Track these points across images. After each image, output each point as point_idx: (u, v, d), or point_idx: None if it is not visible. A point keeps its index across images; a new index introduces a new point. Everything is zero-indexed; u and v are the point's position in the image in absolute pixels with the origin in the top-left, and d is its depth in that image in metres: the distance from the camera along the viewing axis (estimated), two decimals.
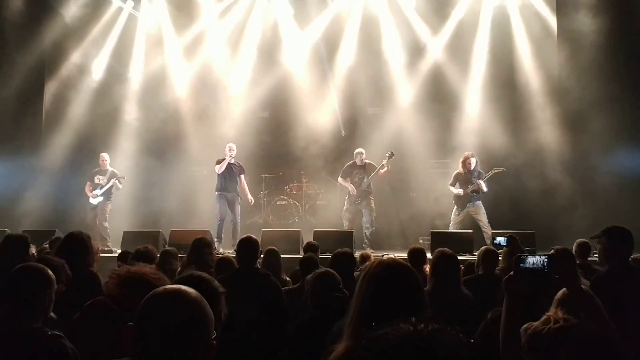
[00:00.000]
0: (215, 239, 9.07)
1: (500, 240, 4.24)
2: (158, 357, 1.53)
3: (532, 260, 2.34)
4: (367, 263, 2.20)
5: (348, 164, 9.80)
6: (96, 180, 10.14)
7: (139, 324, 1.55)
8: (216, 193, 9.64)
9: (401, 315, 1.89)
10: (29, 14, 11.31)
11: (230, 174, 9.66)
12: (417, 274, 2.12)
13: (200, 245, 5.40)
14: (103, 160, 10.27)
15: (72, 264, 3.68)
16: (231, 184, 9.68)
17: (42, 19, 11.40)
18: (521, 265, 2.37)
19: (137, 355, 1.55)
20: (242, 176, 9.85)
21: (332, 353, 1.99)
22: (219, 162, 9.64)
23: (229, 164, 9.59)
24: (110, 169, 10.26)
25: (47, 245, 6.21)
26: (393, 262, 2.11)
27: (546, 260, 2.32)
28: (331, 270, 3.79)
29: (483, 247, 5.31)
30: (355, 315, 2.02)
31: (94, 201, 10.02)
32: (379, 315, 1.90)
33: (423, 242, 8.93)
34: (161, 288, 1.63)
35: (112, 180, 10.06)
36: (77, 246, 4.26)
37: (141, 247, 5.15)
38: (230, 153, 9.61)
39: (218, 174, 9.64)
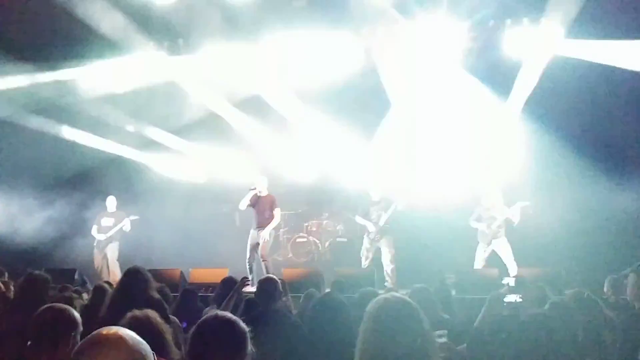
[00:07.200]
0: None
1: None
2: None
3: None
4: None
5: (366, 201, 9.70)
6: (103, 223, 10.13)
7: None
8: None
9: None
10: None
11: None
12: (416, 307, 2.14)
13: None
14: (111, 203, 10.30)
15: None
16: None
17: None
18: None
19: None
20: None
21: None
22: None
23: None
24: (117, 210, 10.28)
25: None
26: (391, 298, 2.17)
27: None
28: None
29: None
30: (358, 351, 2.09)
31: (101, 236, 9.96)
32: (378, 349, 1.98)
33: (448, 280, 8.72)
34: (99, 332, 1.65)
35: (124, 219, 10.05)
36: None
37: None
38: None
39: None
